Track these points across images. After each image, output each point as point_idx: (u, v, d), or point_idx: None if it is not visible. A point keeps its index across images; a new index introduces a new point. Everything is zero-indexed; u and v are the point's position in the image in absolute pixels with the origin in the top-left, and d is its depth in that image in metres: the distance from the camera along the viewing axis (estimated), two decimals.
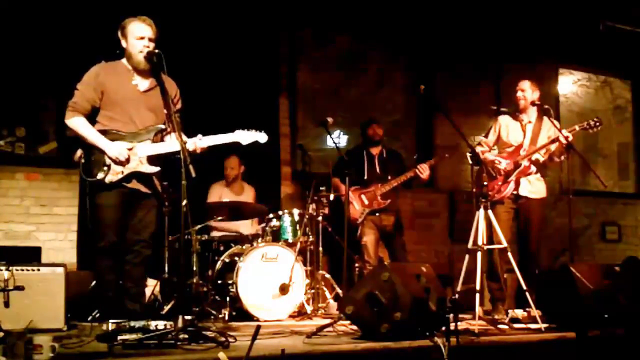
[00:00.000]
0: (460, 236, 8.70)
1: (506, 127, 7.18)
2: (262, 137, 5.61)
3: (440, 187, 10.40)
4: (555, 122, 7.01)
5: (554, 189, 10.01)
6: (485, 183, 6.31)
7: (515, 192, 6.97)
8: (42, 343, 3.80)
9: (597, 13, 10.55)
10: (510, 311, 6.55)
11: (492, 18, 10.36)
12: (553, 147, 6.89)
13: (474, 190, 6.44)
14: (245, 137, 5.54)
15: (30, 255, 7.15)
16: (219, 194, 8.30)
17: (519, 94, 7.11)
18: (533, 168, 6.97)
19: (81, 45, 7.87)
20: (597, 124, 6.82)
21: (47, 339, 3.83)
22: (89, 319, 5.98)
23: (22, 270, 5.39)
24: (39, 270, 5.53)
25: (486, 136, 7.34)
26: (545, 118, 7.07)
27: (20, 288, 5.12)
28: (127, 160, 5.32)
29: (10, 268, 5.23)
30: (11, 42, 7.96)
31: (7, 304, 5.03)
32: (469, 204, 6.53)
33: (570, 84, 11.92)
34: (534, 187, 7.03)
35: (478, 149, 7.04)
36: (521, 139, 7.03)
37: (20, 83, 8.03)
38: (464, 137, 6.41)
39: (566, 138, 6.65)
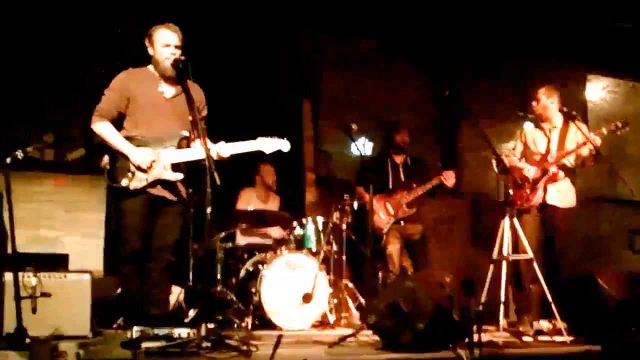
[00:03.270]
0: (482, 243, 8.67)
1: (531, 135, 7.14)
2: (284, 146, 5.62)
3: (463, 194, 10.35)
4: (583, 126, 6.94)
5: (580, 196, 9.95)
6: (510, 191, 6.27)
7: (541, 201, 6.91)
8: (67, 350, 3.84)
9: (625, 19, 10.47)
10: (535, 323, 6.50)
11: (519, 24, 10.30)
12: (583, 152, 6.81)
13: (500, 199, 6.40)
14: (267, 145, 5.55)
15: (57, 262, 7.20)
16: (248, 199, 8.35)
17: (533, 103, 7.10)
18: (561, 174, 6.89)
19: (110, 52, 7.95)
20: (624, 125, 6.74)
21: (72, 346, 3.88)
22: (114, 325, 6.03)
23: (49, 277, 5.43)
24: (65, 277, 5.56)
25: (513, 147, 7.30)
26: (571, 123, 7.01)
27: (47, 295, 5.17)
28: (150, 167, 5.36)
29: (38, 275, 5.28)
30: (41, 49, 8.03)
31: (34, 311, 5.07)
32: (494, 211, 6.50)
33: (598, 90, 11.83)
34: (562, 196, 6.94)
35: (505, 160, 7.01)
36: (546, 146, 6.99)
37: (49, 90, 8.10)
38: (490, 144, 6.39)
39: (593, 141, 6.61)
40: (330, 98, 9.98)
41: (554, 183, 6.90)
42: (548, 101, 7.01)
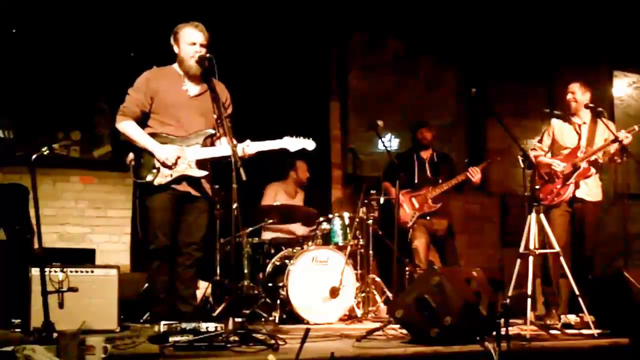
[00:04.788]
0: (512, 240, 8.63)
1: (560, 130, 7.12)
2: (309, 145, 5.61)
3: (492, 191, 10.32)
4: (610, 123, 6.92)
5: (608, 193, 9.84)
6: (537, 187, 6.23)
7: (571, 195, 6.88)
8: (95, 344, 3.84)
9: None
10: (563, 316, 6.47)
11: (545, 21, 10.26)
12: (612, 148, 6.78)
13: (526, 193, 6.35)
14: (293, 143, 5.54)
15: (84, 257, 7.25)
16: (274, 194, 8.37)
17: (569, 96, 7.07)
18: (593, 170, 6.88)
19: (136, 50, 8.01)
20: None
21: (100, 340, 3.88)
22: (141, 320, 6.07)
23: (77, 272, 5.47)
24: (92, 272, 5.60)
25: (540, 141, 7.28)
26: (599, 123, 6.98)
27: (74, 289, 5.21)
28: (175, 163, 5.38)
29: (65, 269, 5.31)
30: (67, 46, 8.09)
31: (61, 305, 5.11)
32: (521, 208, 6.45)
33: (625, 87, 11.75)
34: (591, 190, 6.94)
35: (532, 154, 6.98)
36: (577, 141, 6.96)
37: (75, 87, 8.15)
38: (516, 140, 6.35)
39: (624, 139, 6.56)
40: (358, 97, 9.98)
41: (585, 178, 6.87)
42: (583, 97, 7.00)
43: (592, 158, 6.86)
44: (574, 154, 6.92)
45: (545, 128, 7.39)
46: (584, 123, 7.02)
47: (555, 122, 7.21)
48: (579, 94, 7.01)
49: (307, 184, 8.61)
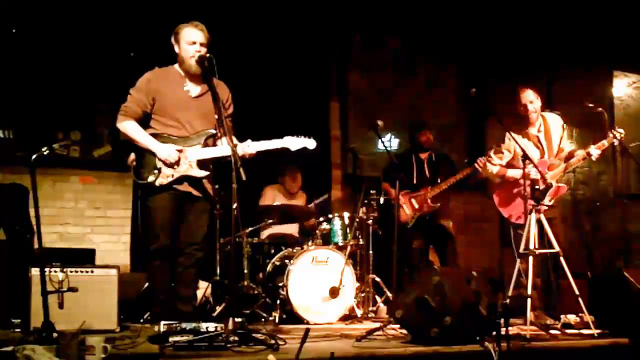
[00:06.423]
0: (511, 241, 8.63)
1: (521, 145, 6.93)
2: (310, 144, 5.61)
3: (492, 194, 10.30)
4: (556, 117, 6.92)
5: (608, 193, 9.86)
6: (537, 187, 6.22)
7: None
8: (95, 344, 3.85)
9: None
10: (562, 316, 6.46)
11: (545, 21, 10.25)
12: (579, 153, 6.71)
13: (526, 193, 6.33)
14: (293, 143, 5.55)
15: (84, 257, 7.25)
16: (273, 196, 8.35)
17: (529, 106, 6.86)
18: (565, 188, 6.74)
19: (136, 50, 8.01)
20: (619, 134, 6.58)
21: (100, 340, 3.89)
22: (141, 320, 6.07)
23: (76, 272, 5.46)
24: (92, 272, 5.60)
25: (496, 153, 7.14)
26: (549, 120, 6.90)
27: (74, 289, 5.20)
28: (177, 162, 5.38)
29: (65, 270, 5.31)
30: (67, 46, 8.09)
31: (61, 305, 5.11)
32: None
33: (624, 87, 11.74)
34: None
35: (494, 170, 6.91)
36: (539, 155, 6.84)
37: (75, 87, 8.16)
38: (516, 141, 6.35)
39: (593, 155, 6.53)
40: (358, 97, 9.99)
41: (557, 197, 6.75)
42: (539, 103, 6.88)
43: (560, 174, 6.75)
44: (541, 165, 6.72)
45: (501, 143, 7.16)
46: (540, 132, 6.91)
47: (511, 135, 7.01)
48: (536, 102, 6.86)
49: (296, 190, 8.55)
